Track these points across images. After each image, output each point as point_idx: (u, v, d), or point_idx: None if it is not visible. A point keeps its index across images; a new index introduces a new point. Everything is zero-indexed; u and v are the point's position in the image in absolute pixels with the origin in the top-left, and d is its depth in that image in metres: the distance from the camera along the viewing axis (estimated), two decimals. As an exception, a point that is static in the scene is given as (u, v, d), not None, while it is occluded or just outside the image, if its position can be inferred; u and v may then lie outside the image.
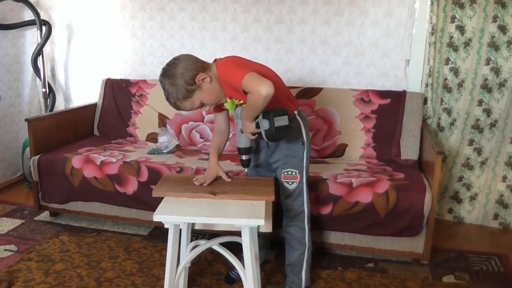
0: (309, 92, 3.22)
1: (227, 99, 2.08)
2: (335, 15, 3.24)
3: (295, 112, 2.15)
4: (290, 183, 2.17)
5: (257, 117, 1.97)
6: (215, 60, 2.09)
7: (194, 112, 3.35)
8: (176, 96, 1.97)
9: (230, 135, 2.34)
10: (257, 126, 1.98)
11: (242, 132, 2.05)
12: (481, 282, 2.47)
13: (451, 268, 2.61)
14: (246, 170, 2.24)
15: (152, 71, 3.72)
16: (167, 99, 2.02)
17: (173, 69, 1.97)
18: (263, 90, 1.83)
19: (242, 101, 2.05)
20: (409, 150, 3.00)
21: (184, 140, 3.38)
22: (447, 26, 3.01)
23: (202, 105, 2.05)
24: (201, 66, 2.00)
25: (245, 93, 1.89)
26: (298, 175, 2.17)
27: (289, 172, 2.17)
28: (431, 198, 2.42)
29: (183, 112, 3.32)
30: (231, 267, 2.44)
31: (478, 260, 2.71)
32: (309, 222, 2.24)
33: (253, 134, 2.02)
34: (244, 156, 2.12)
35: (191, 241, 2.17)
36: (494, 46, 2.94)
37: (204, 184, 2.09)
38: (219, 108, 2.19)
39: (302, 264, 2.26)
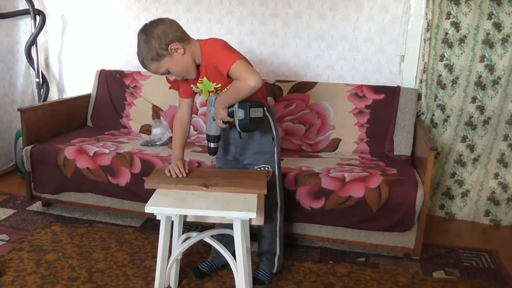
0: (304, 86, 3.22)
1: (205, 78, 2.08)
2: (331, 10, 3.23)
3: (264, 108, 2.14)
4: None
5: (231, 106, 1.99)
6: (198, 40, 2.10)
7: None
8: (145, 55, 1.98)
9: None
10: (231, 115, 2.00)
11: (214, 119, 2.06)
12: (471, 278, 2.48)
13: (442, 263, 2.63)
14: (212, 158, 2.23)
15: (146, 63, 3.70)
16: (137, 54, 2.02)
17: (153, 28, 1.97)
18: (251, 80, 1.87)
19: (220, 85, 2.06)
20: (402, 145, 3.01)
21: (178, 133, 3.36)
22: (442, 22, 3.01)
23: (168, 72, 2.05)
24: (181, 36, 2.00)
25: (228, 78, 1.93)
26: (271, 170, 2.20)
27: (262, 168, 2.21)
28: (423, 194, 2.43)
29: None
30: (202, 261, 2.48)
31: (469, 256, 2.72)
32: (282, 212, 2.31)
33: (224, 123, 2.05)
34: (212, 144, 2.14)
35: (183, 233, 2.17)
36: (488, 43, 2.95)
37: (180, 176, 2.11)
38: (186, 92, 2.20)
39: (275, 251, 2.35)
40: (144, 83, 3.50)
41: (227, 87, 2.05)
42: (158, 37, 1.95)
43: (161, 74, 2.07)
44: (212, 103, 2.06)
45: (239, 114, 1.97)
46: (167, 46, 1.96)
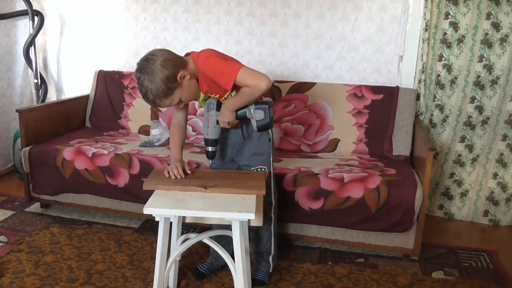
0: (302, 87, 3.21)
1: (201, 94, 2.08)
2: (329, 10, 3.23)
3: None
4: None
5: (239, 108, 2.01)
6: (188, 54, 2.06)
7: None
8: (156, 93, 1.90)
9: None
10: (239, 117, 2.02)
11: (217, 123, 2.06)
12: (470, 278, 2.48)
13: (441, 264, 2.63)
14: (210, 161, 2.23)
15: (145, 64, 3.70)
16: (145, 96, 1.94)
17: (151, 65, 1.89)
18: (263, 84, 1.89)
19: (218, 95, 2.07)
20: (401, 146, 3.00)
21: (177, 133, 3.36)
22: (440, 22, 3.01)
23: (180, 102, 2.02)
24: (181, 63, 1.95)
25: (233, 89, 1.95)
26: (267, 170, 2.21)
27: (259, 169, 2.21)
28: (422, 194, 2.43)
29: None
30: (201, 262, 2.48)
31: (468, 256, 2.72)
32: (275, 211, 2.31)
33: (229, 125, 2.06)
34: (210, 147, 2.14)
35: (182, 234, 2.16)
36: (487, 43, 2.95)
37: (179, 177, 2.09)
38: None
39: (270, 250, 2.35)
40: (142, 84, 3.49)
41: (225, 96, 2.05)
42: (162, 72, 1.88)
43: (173, 105, 2.04)
44: (214, 107, 2.05)
45: (258, 115, 2.00)
46: (175, 78, 1.91)
